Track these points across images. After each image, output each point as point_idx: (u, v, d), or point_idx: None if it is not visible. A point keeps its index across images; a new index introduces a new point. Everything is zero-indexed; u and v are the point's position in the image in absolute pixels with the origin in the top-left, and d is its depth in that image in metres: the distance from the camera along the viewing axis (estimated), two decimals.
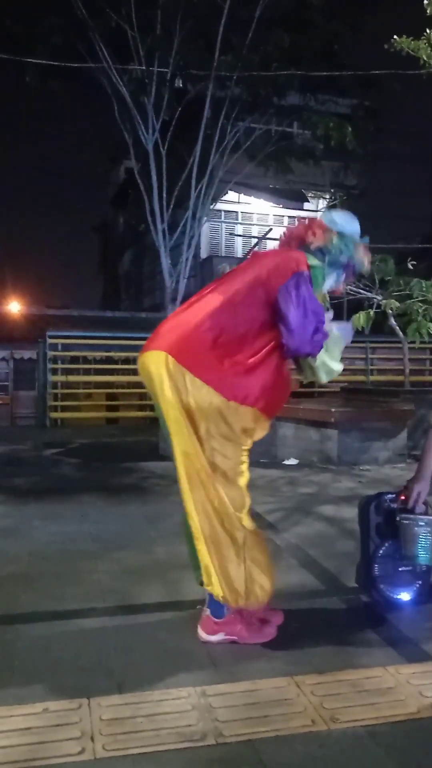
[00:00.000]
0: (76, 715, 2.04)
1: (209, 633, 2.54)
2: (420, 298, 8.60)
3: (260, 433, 2.67)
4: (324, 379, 2.75)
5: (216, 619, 2.55)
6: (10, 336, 14.12)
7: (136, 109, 11.16)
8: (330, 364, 2.68)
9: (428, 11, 7.02)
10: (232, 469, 2.58)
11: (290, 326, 2.46)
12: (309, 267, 2.56)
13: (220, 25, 10.38)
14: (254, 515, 4.56)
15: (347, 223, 2.72)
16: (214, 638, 2.54)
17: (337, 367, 2.70)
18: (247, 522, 2.62)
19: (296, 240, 2.71)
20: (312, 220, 2.74)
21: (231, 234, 20.50)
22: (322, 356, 2.63)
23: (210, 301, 2.52)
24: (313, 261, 2.61)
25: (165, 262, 10.00)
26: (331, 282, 2.72)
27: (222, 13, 10.29)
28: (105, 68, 10.77)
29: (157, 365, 2.44)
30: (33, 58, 10.24)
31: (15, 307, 18.18)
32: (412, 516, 2.81)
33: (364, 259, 2.73)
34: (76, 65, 10.55)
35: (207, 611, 2.57)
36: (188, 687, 2.21)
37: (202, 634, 2.55)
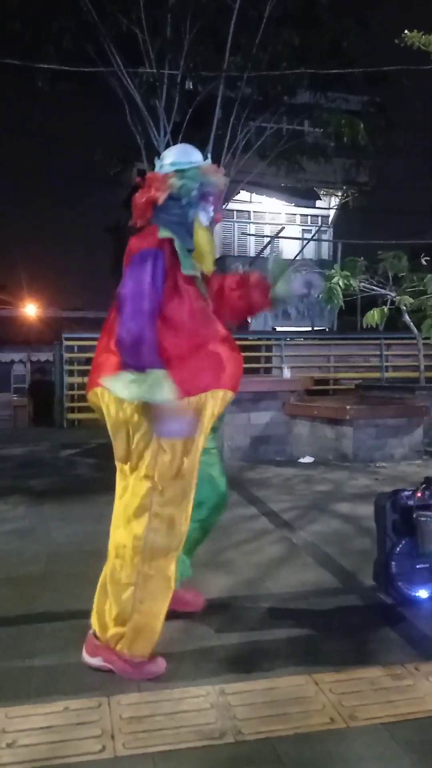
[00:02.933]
0: (96, 713, 2.06)
1: (89, 654, 2.36)
2: None
3: None
4: (120, 393, 2.23)
5: (96, 642, 2.37)
6: (27, 339, 14.24)
7: (147, 111, 11.19)
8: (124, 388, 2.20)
9: None
10: None
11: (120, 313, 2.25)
12: (166, 240, 2.34)
13: (229, 26, 10.40)
14: (270, 513, 4.58)
15: (179, 156, 2.48)
16: (92, 661, 2.34)
17: (124, 393, 2.20)
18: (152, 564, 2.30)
19: (145, 208, 2.45)
20: (147, 179, 2.47)
21: (243, 233, 20.50)
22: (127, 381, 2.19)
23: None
24: (166, 231, 2.35)
25: None
26: (202, 219, 2.45)
27: (231, 13, 10.30)
28: (116, 71, 10.81)
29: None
30: (44, 61, 10.30)
31: (31, 310, 18.31)
32: (429, 513, 2.80)
33: (214, 177, 2.45)
34: (87, 69, 10.60)
35: (91, 630, 2.40)
36: (207, 685, 2.22)
37: (84, 654, 2.38)
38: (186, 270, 2.35)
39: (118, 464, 2.42)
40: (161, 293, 2.29)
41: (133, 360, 2.20)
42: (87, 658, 2.37)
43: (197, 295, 2.42)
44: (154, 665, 2.30)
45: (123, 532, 2.33)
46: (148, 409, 2.20)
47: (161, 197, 2.40)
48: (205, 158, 2.52)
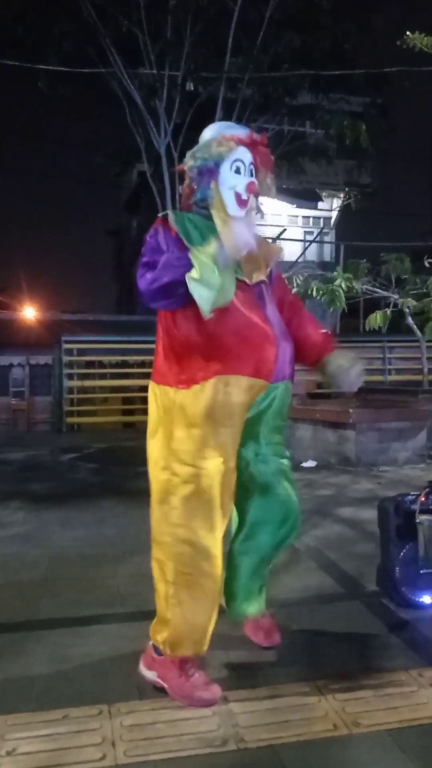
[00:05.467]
0: (97, 721, 2.04)
1: (146, 666, 2.28)
2: None
3: None
4: (202, 306, 2.05)
5: (154, 654, 2.27)
6: (26, 341, 14.21)
7: (147, 113, 11.20)
8: (196, 287, 2.04)
9: None
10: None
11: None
12: (165, 221, 2.25)
13: (230, 28, 10.40)
14: None
15: (202, 138, 2.37)
16: (147, 674, 2.26)
17: (205, 292, 2.04)
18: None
19: (188, 199, 2.35)
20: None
21: None
22: (191, 279, 2.04)
23: None
24: (172, 215, 2.26)
25: None
26: (225, 195, 2.25)
27: (231, 15, 10.31)
28: (116, 73, 10.82)
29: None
30: (45, 63, 10.31)
31: (30, 312, 18.30)
32: None
33: (215, 149, 2.25)
34: (88, 71, 10.61)
35: (151, 642, 2.29)
36: None
37: (141, 664, 2.30)
38: (193, 244, 2.18)
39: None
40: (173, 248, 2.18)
41: (166, 289, 2.10)
42: (143, 669, 2.28)
43: None
44: (209, 692, 2.14)
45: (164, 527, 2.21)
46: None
47: (186, 185, 2.33)
48: (232, 129, 2.35)
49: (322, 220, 21.26)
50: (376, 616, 2.84)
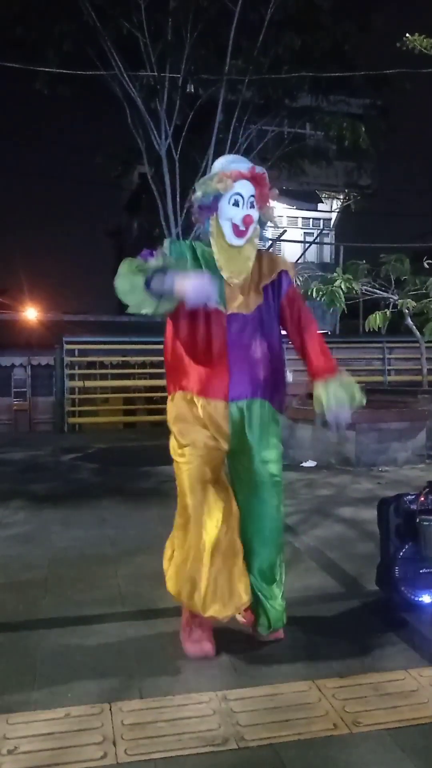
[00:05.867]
0: (98, 720, 2.04)
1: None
2: None
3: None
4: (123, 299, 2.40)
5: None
6: (27, 342, 14.23)
7: (148, 115, 11.20)
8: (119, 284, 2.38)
9: None
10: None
11: None
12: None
13: (230, 30, 10.40)
14: None
15: (213, 168, 2.60)
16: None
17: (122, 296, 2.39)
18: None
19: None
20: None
21: None
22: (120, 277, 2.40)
23: None
24: (168, 243, 2.56)
25: None
26: (224, 227, 2.50)
27: (232, 17, 10.31)
28: (117, 74, 10.82)
29: None
30: (44, 64, 10.31)
31: (32, 313, 18.32)
32: None
33: (213, 185, 2.48)
34: (88, 72, 10.61)
35: None
36: (209, 691, 2.20)
37: None
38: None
39: None
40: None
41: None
42: None
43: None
44: (196, 647, 2.48)
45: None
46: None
47: (194, 217, 2.61)
48: (235, 164, 2.57)
49: (321, 221, 21.27)
50: (376, 616, 2.85)
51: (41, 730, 1.99)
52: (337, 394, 2.52)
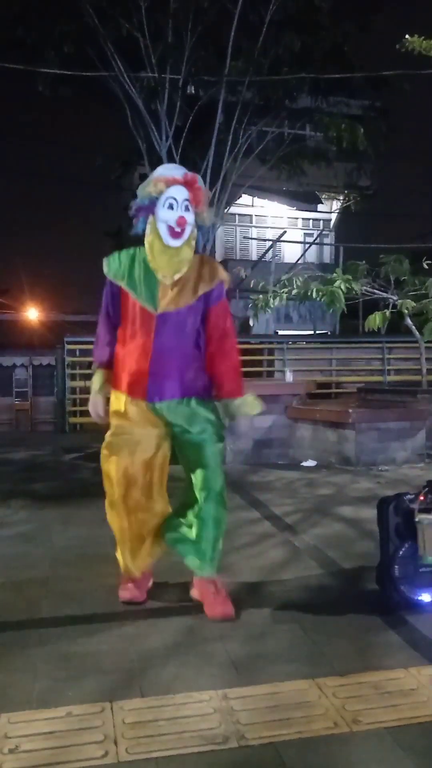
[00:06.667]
0: (99, 718, 2.05)
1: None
2: None
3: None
4: None
5: None
6: (29, 343, 14.26)
7: (148, 116, 11.21)
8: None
9: None
10: None
11: None
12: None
13: (230, 31, 10.41)
14: (273, 517, 4.58)
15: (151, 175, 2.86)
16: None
17: None
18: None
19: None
20: None
21: (245, 237, 20.52)
22: None
23: None
24: (110, 257, 2.92)
25: None
26: (160, 228, 2.74)
27: (232, 18, 10.32)
28: (117, 75, 10.82)
29: None
30: (45, 65, 10.32)
31: (33, 314, 18.34)
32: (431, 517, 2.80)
33: (150, 189, 2.76)
34: (89, 74, 10.61)
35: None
36: (209, 690, 2.21)
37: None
38: (119, 283, 2.86)
39: None
40: (110, 307, 2.95)
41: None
42: None
43: (134, 304, 2.81)
44: (126, 592, 3.00)
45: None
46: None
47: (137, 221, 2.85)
48: (169, 171, 2.85)
49: (321, 222, 21.28)
50: (375, 615, 2.85)
51: (42, 728, 2.00)
52: (239, 412, 2.95)
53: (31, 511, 5.01)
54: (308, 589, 3.18)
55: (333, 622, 2.79)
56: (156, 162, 11.34)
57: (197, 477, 2.88)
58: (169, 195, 2.73)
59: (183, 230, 2.73)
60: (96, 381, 2.98)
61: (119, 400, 2.91)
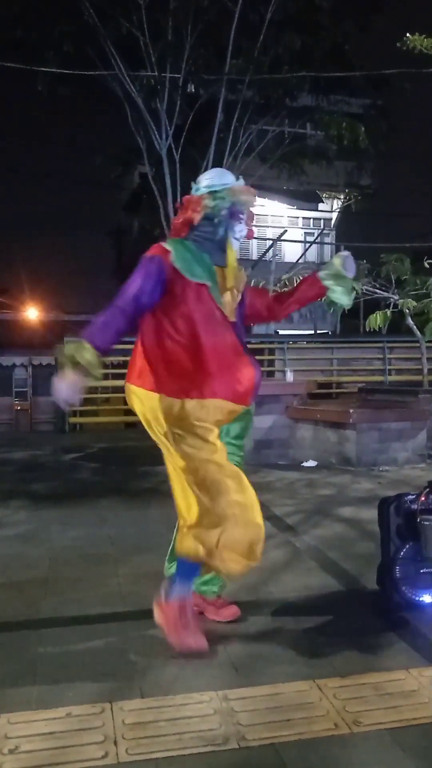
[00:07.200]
0: (99, 719, 2.04)
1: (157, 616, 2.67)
2: None
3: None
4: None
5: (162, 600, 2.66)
6: (28, 342, 14.26)
7: (148, 115, 11.20)
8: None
9: None
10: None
11: None
12: (165, 250, 2.56)
13: (230, 30, 10.41)
14: (273, 517, 4.58)
15: (214, 179, 2.70)
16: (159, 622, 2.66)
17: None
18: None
19: (181, 228, 2.69)
20: (184, 201, 2.71)
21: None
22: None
23: None
24: (171, 244, 2.60)
25: None
26: (235, 235, 2.66)
27: (232, 17, 10.32)
28: (117, 74, 10.82)
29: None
30: (45, 64, 10.31)
31: (33, 313, 18.35)
32: None
33: (243, 197, 2.65)
34: (88, 72, 10.61)
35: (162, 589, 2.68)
36: (210, 691, 2.20)
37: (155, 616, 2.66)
38: (192, 277, 2.53)
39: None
40: (150, 294, 2.52)
41: (84, 332, 2.51)
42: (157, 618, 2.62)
43: (207, 303, 2.55)
44: (193, 639, 2.53)
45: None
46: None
47: (197, 218, 2.62)
48: (238, 179, 2.72)
49: (322, 221, 21.27)
50: (376, 616, 2.85)
51: (42, 729, 1.99)
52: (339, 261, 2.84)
53: (30, 511, 5.01)
54: (309, 590, 3.17)
55: (334, 623, 2.79)
56: (156, 161, 11.34)
57: None
58: (243, 208, 2.66)
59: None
60: (89, 355, 2.45)
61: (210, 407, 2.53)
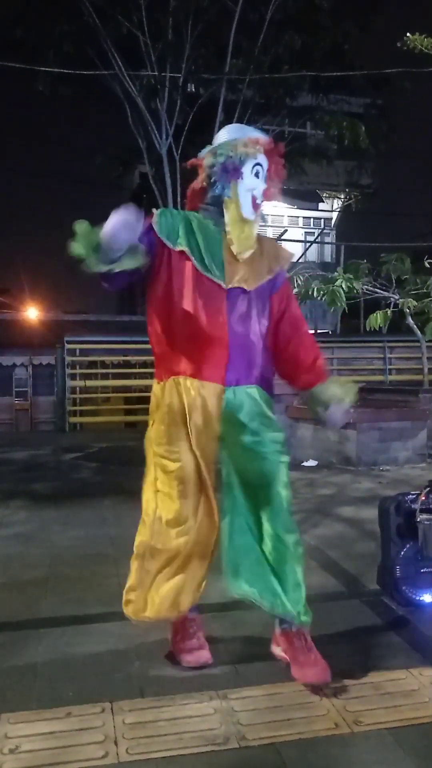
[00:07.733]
0: (99, 719, 2.04)
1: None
2: None
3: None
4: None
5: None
6: (29, 342, 14.25)
7: (148, 114, 11.20)
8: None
9: None
10: None
11: None
12: (152, 215, 2.30)
13: (230, 29, 10.41)
14: None
15: (222, 135, 2.41)
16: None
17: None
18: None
19: (193, 196, 2.44)
20: (189, 165, 2.47)
21: None
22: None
23: None
24: (160, 211, 2.34)
25: None
26: (242, 195, 2.32)
27: (232, 16, 10.32)
28: (117, 74, 10.82)
29: None
30: (45, 64, 10.31)
31: (33, 313, 18.35)
32: None
33: (242, 149, 2.30)
34: (88, 72, 10.61)
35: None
36: (210, 691, 2.20)
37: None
38: (168, 241, 2.27)
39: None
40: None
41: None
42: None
43: (187, 272, 2.28)
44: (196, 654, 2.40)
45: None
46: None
47: (198, 182, 2.38)
48: (262, 134, 2.41)
49: (322, 220, 21.28)
50: (377, 615, 2.84)
51: (42, 729, 1.99)
52: (343, 388, 2.43)
53: (30, 511, 5.00)
54: (309, 590, 3.16)
55: (334, 623, 2.78)
56: (156, 161, 11.34)
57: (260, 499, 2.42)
58: (257, 161, 2.33)
59: (262, 203, 2.38)
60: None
61: (179, 390, 2.30)
